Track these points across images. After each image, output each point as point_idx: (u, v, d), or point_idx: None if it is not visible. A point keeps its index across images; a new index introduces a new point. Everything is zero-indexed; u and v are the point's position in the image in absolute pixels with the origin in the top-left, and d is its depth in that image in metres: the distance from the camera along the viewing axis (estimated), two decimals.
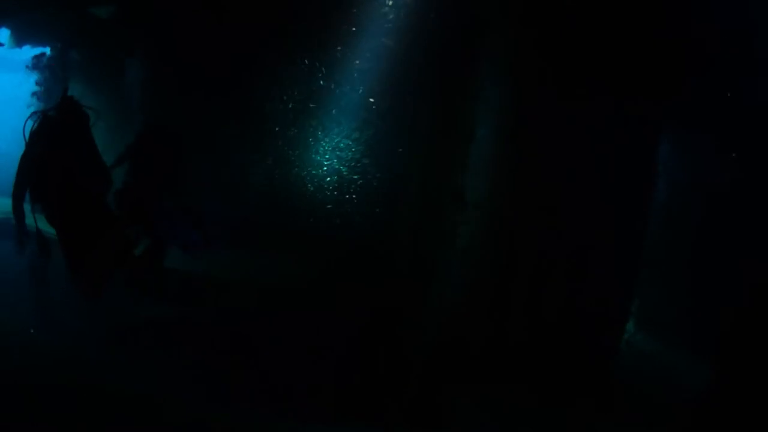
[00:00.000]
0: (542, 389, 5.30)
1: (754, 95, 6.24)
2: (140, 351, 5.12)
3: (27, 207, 5.37)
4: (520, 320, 5.66)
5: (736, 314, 4.51)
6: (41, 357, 4.53)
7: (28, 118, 5.31)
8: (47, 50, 9.67)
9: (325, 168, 7.85)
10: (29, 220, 5.31)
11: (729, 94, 6.24)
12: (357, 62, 7.41)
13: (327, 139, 7.77)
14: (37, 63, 9.57)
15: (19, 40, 9.52)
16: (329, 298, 6.41)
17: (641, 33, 5.54)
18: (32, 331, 5.00)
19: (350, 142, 7.64)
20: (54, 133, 5.21)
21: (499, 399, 5.15)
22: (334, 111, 7.68)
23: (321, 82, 7.69)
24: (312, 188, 7.90)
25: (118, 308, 5.69)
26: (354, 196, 7.63)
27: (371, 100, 7.43)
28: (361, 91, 7.48)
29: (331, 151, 7.81)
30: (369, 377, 5.25)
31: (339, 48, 7.44)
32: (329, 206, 7.75)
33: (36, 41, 9.71)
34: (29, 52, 9.99)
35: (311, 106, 7.79)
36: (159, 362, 4.92)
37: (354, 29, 7.26)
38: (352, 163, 7.68)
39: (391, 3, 6.96)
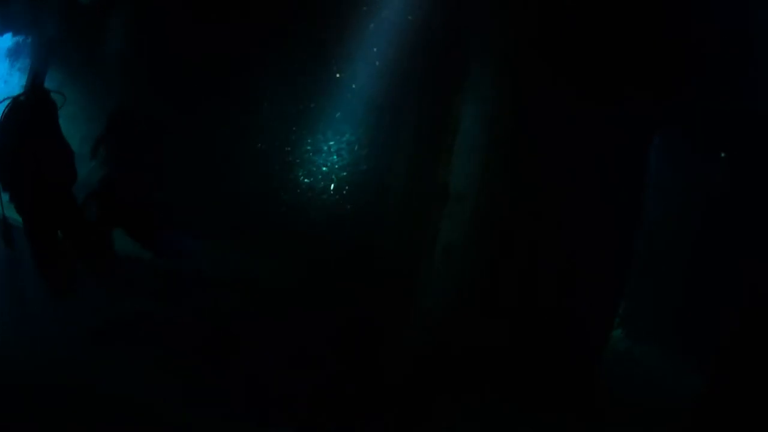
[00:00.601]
0: (529, 396, 5.13)
1: (754, 96, 6.13)
2: (118, 350, 4.95)
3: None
4: (508, 324, 5.45)
5: (738, 316, 4.38)
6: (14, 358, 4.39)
7: None
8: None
9: (302, 162, 7.62)
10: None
11: (728, 95, 6.14)
12: (341, 54, 7.20)
13: (307, 132, 7.54)
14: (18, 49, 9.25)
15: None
16: (307, 298, 6.21)
17: (639, 30, 5.41)
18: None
19: (329, 134, 7.43)
20: (23, 120, 5.02)
21: (485, 407, 4.98)
22: (313, 103, 7.46)
23: (304, 75, 7.46)
24: (288, 182, 7.67)
25: (92, 306, 5.46)
26: (332, 190, 7.40)
27: (353, 86, 7.21)
28: (341, 81, 7.27)
29: (311, 145, 7.58)
30: (349, 384, 5.04)
31: (323, 41, 7.25)
32: (306, 201, 7.51)
33: (17, 28, 9.39)
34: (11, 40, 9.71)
35: (296, 97, 7.55)
36: (137, 362, 4.78)
37: (336, 22, 7.06)
38: (331, 156, 7.47)
39: None
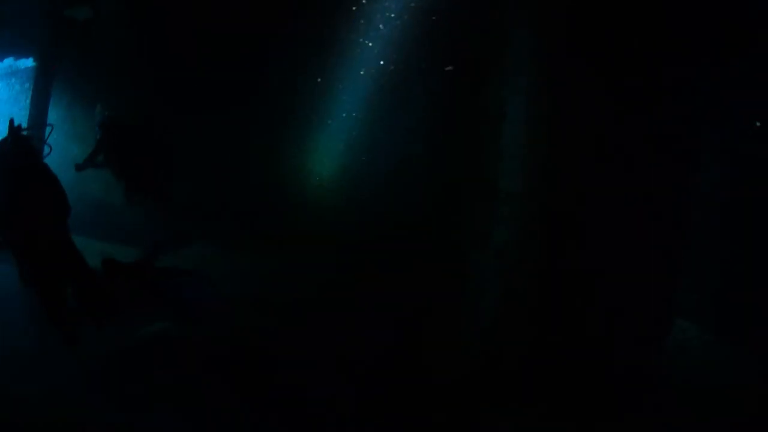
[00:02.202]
0: (583, 408, 4.69)
1: None
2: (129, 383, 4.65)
3: None
4: (562, 332, 5.05)
5: None
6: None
7: None
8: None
9: (338, 160, 7.27)
10: None
11: None
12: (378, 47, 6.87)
13: (341, 127, 7.18)
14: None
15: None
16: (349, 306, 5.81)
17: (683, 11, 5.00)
18: None
19: (364, 127, 7.09)
20: (5, 167, 4.85)
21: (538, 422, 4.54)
22: (347, 94, 7.11)
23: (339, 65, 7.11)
24: (319, 184, 7.32)
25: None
26: (375, 188, 7.01)
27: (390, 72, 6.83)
28: (382, 73, 6.92)
29: (347, 139, 7.22)
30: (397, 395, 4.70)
31: (360, 29, 6.91)
32: (343, 204, 7.16)
33: (18, 52, 9.29)
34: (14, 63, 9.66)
35: (327, 88, 7.16)
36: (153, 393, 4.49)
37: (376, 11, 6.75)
38: (370, 152, 7.10)
39: None
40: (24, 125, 5.34)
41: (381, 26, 6.87)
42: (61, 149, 6.74)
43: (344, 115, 7.13)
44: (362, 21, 6.92)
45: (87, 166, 6.80)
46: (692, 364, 5.97)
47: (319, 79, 7.17)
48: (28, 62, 9.25)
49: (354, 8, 6.88)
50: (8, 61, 9.39)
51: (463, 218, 5.78)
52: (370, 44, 6.94)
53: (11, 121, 5.17)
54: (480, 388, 4.88)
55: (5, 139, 5.01)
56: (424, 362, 5.19)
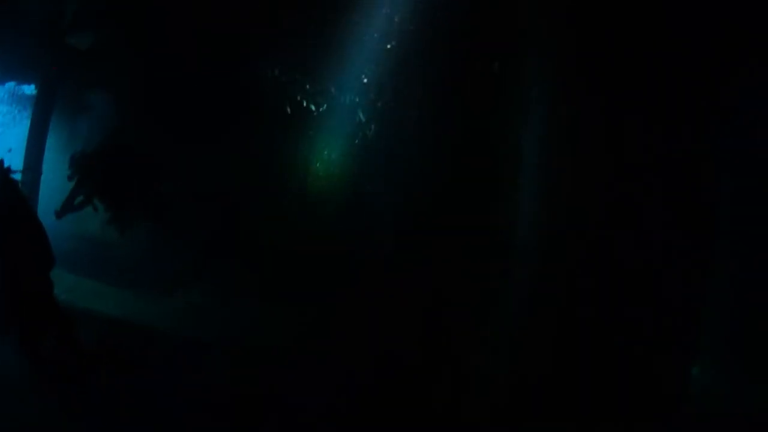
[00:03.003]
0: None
1: None
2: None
3: None
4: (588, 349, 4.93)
5: None
6: None
7: None
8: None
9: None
10: None
11: None
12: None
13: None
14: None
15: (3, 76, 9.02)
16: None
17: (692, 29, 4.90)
18: None
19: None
20: None
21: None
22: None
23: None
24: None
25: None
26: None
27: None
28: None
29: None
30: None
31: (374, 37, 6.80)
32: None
33: (20, 77, 9.18)
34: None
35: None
36: None
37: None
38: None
39: None
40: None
41: (385, 83, 6.78)
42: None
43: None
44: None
45: (66, 212, 6.64)
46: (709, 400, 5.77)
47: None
48: (30, 88, 9.16)
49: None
50: (9, 85, 9.29)
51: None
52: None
53: (0, 162, 4.98)
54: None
55: None
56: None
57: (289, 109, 7.20)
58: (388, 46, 6.70)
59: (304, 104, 7.20)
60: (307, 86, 7.16)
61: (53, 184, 6.92)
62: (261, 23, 6.89)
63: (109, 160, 6.63)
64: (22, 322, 4.65)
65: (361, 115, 6.99)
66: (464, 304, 5.74)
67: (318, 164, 7.34)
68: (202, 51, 7.00)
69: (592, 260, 4.97)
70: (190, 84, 7.05)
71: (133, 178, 6.72)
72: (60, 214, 6.56)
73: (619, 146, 4.95)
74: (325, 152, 7.29)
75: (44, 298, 4.71)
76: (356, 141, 7.07)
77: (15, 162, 6.88)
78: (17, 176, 5.07)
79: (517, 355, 5.18)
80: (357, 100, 6.99)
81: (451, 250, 5.98)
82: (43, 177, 7.29)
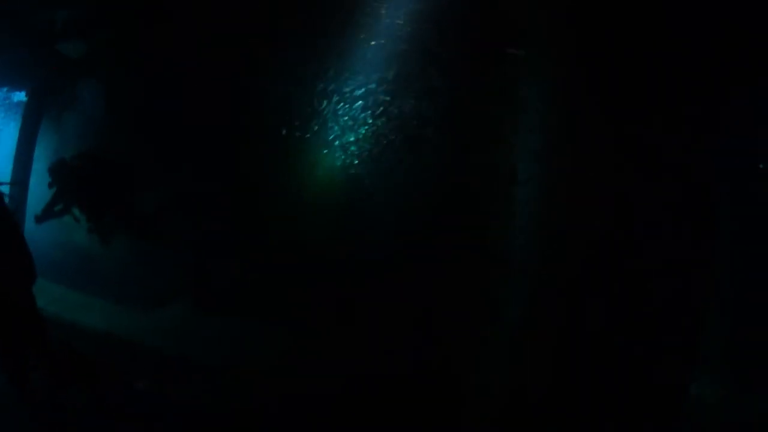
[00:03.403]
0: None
1: None
2: None
3: None
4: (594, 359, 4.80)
5: None
6: None
7: None
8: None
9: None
10: None
11: None
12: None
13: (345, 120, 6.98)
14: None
15: None
16: None
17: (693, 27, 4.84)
18: None
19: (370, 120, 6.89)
20: None
21: None
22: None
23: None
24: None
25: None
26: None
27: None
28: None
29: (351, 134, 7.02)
30: None
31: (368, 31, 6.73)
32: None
33: (13, 84, 9.09)
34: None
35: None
36: None
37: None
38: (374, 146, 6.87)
39: None
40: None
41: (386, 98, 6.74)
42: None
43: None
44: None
45: (47, 218, 6.56)
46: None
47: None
48: (20, 95, 9.06)
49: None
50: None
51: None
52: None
53: None
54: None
55: None
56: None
57: (289, 110, 7.15)
58: (388, 46, 6.69)
59: (305, 104, 7.16)
60: (307, 86, 7.10)
61: (39, 191, 6.80)
62: (261, 23, 6.88)
63: (82, 170, 6.52)
64: (3, 339, 4.53)
65: (361, 115, 6.94)
66: (464, 305, 5.70)
67: (318, 164, 7.24)
68: (198, 51, 6.94)
69: (592, 260, 4.92)
70: (185, 85, 6.95)
71: (108, 189, 6.64)
72: (40, 219, 6.49)
73: (619, 146, 4.90)
74: (325, 152, 7.20)
75: (27, 313, 4.59)
76: (356, 141, 7.01)
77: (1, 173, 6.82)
78: (4, 188, 4.96)
79: (517, 357, 5.11)
80: (356, 99, 6.93)
81: (451, 250, 5.98)
82: (31, 185, 7.22)
